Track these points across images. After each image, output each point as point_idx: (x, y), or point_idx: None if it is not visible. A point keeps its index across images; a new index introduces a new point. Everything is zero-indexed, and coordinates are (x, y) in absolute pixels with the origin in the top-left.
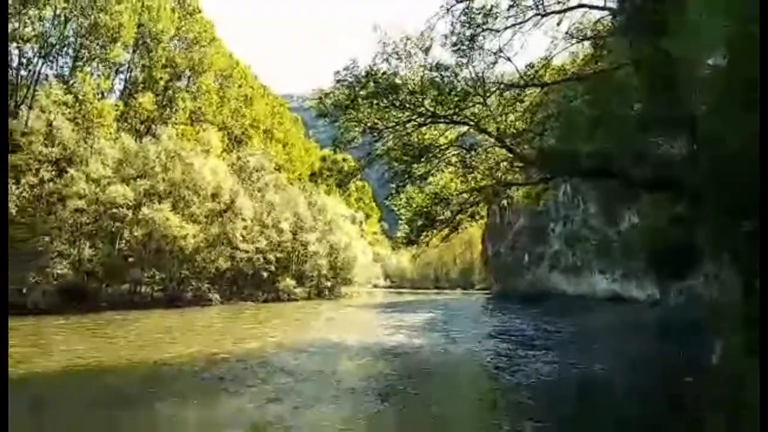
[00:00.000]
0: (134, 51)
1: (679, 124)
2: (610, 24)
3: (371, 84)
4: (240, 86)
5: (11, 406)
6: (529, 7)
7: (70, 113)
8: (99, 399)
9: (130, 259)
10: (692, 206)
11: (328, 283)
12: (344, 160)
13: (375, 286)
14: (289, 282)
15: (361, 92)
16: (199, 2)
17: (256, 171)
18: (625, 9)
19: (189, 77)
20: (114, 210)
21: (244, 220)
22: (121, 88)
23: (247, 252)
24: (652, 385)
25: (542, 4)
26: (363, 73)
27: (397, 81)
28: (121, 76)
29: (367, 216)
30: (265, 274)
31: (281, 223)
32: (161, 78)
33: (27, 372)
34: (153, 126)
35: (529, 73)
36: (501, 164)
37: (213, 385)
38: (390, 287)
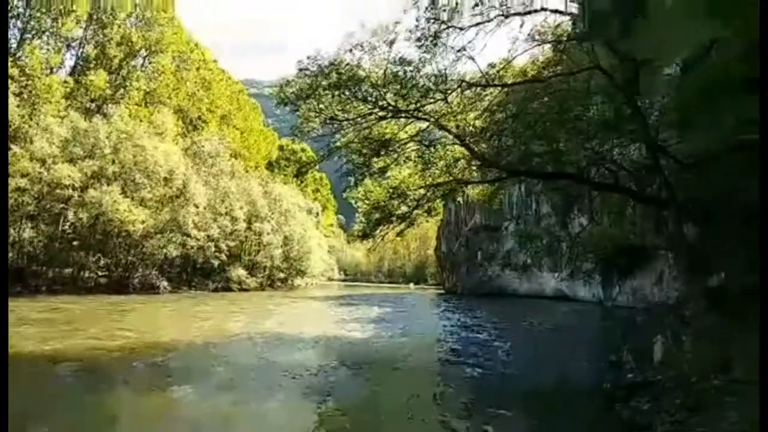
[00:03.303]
0: (88, 26)
1: (635, 130)
2: (570, 29)
3: (334, 75)
4: (198, 69)
5: None
6: (493, 7)
7: (15, 87)
8: None
9: (75, 243)
10: (644, 209)
11: (282, 274)
12: (303, 150)
13: (329, 278)
14: (241, 272)
15: (324, 82)
16: None
17: (211, 157)
18: (586, 15)
19: (145, 57)
20: (59, 191)
21: (196, 206)
22: (72, 64)
23: (198, 240)
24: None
25: (506, 4)
26: (326, 63)
27: (361, 73)
28: (73, 51)
29: (324, 208)
30: (216, 263)
31: (235, 212)
32: (115, 56)
33: None
34: (104, 105)
35: (490, 72)
36: (459, 162)
37: (137, 378)
38: (344, 280)
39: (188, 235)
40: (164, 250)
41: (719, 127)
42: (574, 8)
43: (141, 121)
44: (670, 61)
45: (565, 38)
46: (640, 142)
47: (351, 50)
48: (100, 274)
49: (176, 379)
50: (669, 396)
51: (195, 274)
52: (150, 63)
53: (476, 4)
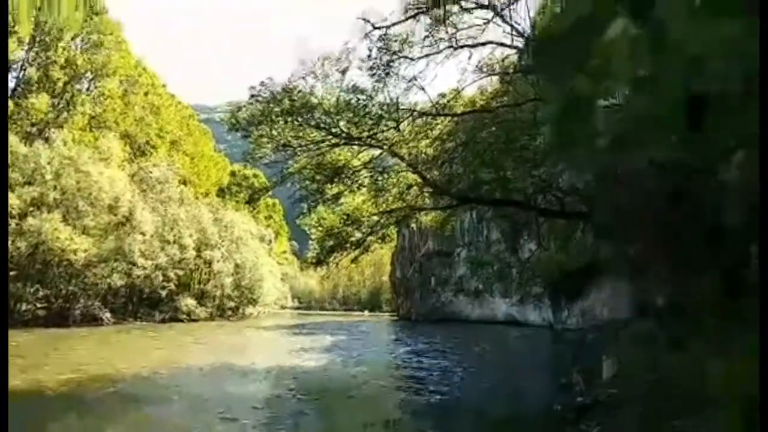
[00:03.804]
0: (30, 48)
1: (580, 158)
2: (516, 61)
3: (287, 101)
4: (147, 94)
5: None
6: (443, 39)
7: None
8: None
9: (12, 273)
10: (591, 233)
11: (232, 303)
12: (255, 176)
13: (282, 306)
14: (190, 301)
15: (276, 108)
16: (104, 3)
17: (160, 183)
18: (529, 48)
19: (91, 80)
20: None
21: (143, 234)
22: (12, 86)
23: (145, 268)
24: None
25: (455, 37)
26: (279, 90)
27: (313, 100)
28: (14, 73)
29: (277, 234)
30: (163, 293)
31: (184, 239)
32: (59, 79)
33: None
34: (46, 129)
35: (440, 102)
36: (412, 188)
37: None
38: (298, 308)
39: (134, 264)
40: (108, 280)
41: (648, 155)
42: (519, 42)
43: (86, 146)
44: (609, 95)
45: (511, 70)
46: (582, 171)
47: (304, 77)
48: (38, 305)
49: (122, 413)
50: (617, 415)
51: (141, 304)
52: (96, 87)
53: (426, 36)
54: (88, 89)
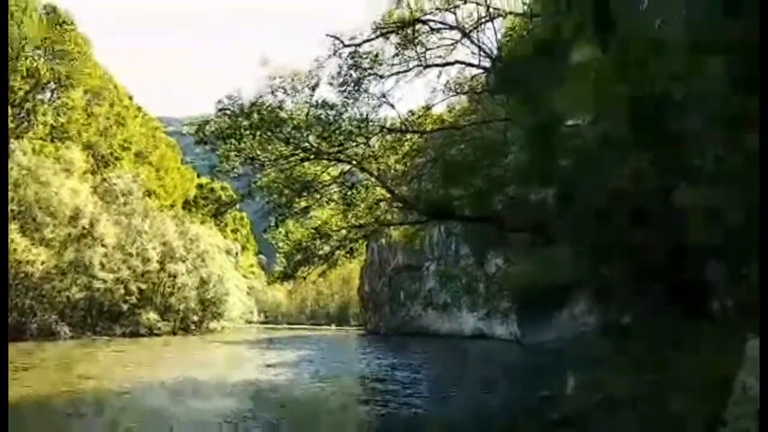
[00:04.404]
0: None
1: (547, 176)
2: (484, 81)
3: (255, 115)
4: (112, 105)
5: None
6: (412, 57)
7: None
8: None
9: None
10: (558, 250)
11: (196, 318)
12: (222, 189)
13: (248, 321)
14: (152, 315)
15: (244, 122)
16: (69, 14)
17: (124, 195)
18: (496, 69)
19: (53, 90)
20: None
21: (104, 246)
22: None
23: (105, 281)
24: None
25: (424, 56)
26: (247, 104)
27: (283, 115)
28: None
29: (244, 248)
30: (125, 307)
31: (148, 252)
32: (20, 89)
33: None
34: None
35: (410, 119)
36: (381, 203)
37: None
38: (264, 322)
39: (94, 277)
40: (66, 293)
41: (606, 179)
42: (487, 62)
43: (46, 156)
44: (577, 117)
45: (479, 90)
46: (551, 188)
47: (273, 92)
48: None
49: None
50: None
51: (101, 318)
52: (59, 97)
53: (396, 54)
54: (50, 99)
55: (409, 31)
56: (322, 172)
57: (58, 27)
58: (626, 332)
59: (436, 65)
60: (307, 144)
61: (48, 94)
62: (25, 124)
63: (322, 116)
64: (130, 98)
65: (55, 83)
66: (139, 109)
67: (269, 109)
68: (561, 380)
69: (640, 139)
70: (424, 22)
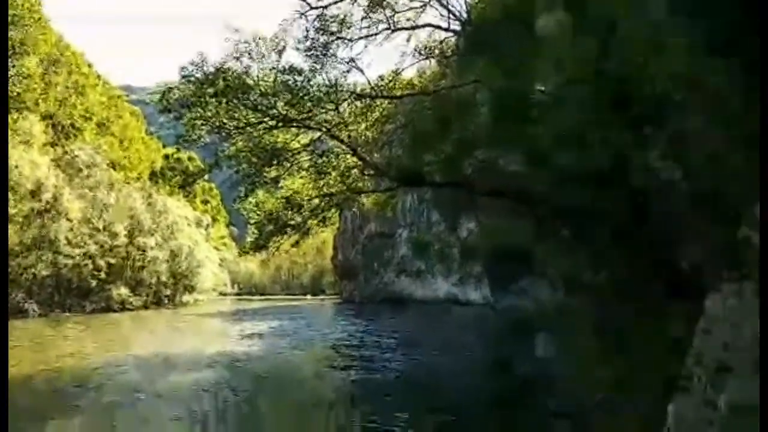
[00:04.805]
0: None
1: (517, 141)
2: (454, 44)
3: (221, 82)
4: (70, 73)
5: None
6: (381, 20)
7: None
8: None
9: None
10: (528, 214)
11: (168, 291)
12: (190, 159)
13: (221, 293)
14: (123, 290)
15: (209, 89)
16: None
17: (87, 167)
18: (466, 32)
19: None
20: None
21: (69, 221)
22: None
23: (72, 257)
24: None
25: (392, 19)
26: (212, 70)
27: (249, 81)
28: None
29: (215, 219)
30: (93, 282)
31: (115, 226)
32: None
33: None
34: None
35: (380, 84)
36: (352, 171)
37: None
38: (238, 294)
39: (60, 253)
40: (32, 270)
41: (584, 147)
42: (456, 26)
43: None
44: (548, 82)
45: (449, 53)
46: (522, 153)
47: (238, 58)
48: None
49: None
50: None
51: (69, 294)
52: (14, 66)
53: (364, 17)
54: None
55: None
56: (292, 140)
57: None
58: (593, 292)
59: (405, 29)
60: (275, 111)
61: None
62: None
63: (290, 82)
64: (89, 66)
65: (9, 51)
66: (99, 77)
67: (235, 75)
68: (530, 342)
69: (609, 103)
70: None
